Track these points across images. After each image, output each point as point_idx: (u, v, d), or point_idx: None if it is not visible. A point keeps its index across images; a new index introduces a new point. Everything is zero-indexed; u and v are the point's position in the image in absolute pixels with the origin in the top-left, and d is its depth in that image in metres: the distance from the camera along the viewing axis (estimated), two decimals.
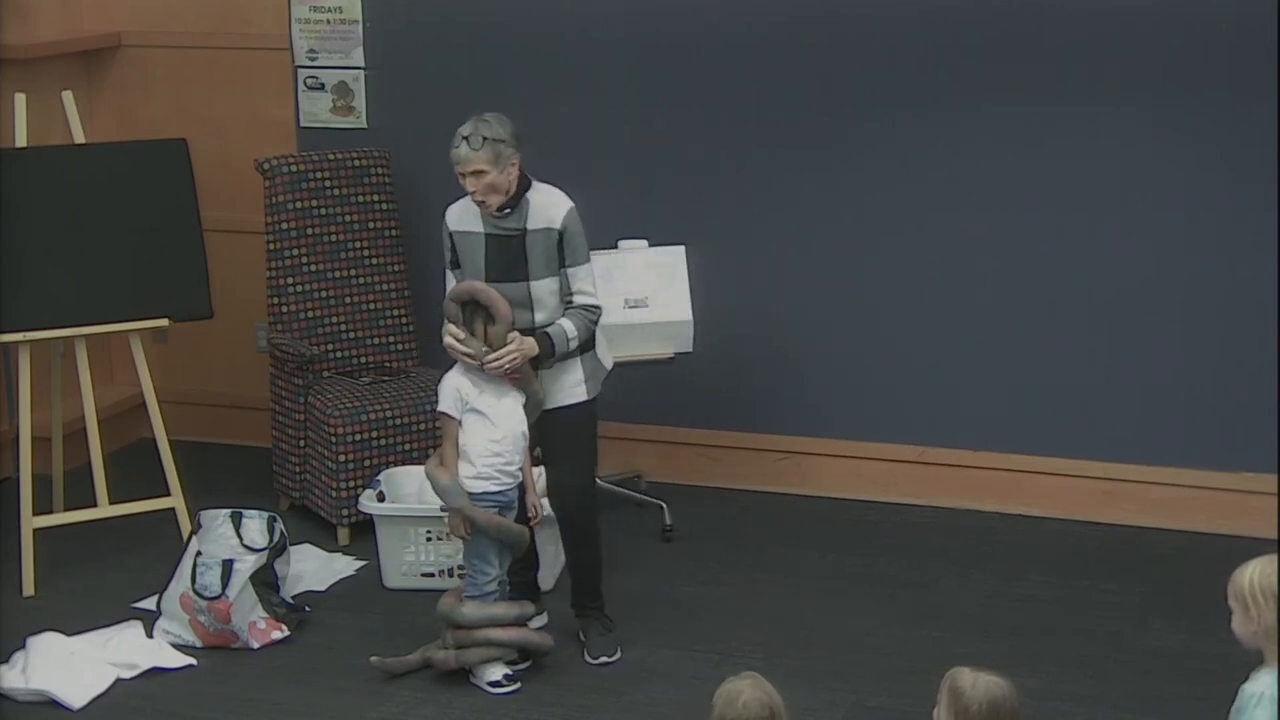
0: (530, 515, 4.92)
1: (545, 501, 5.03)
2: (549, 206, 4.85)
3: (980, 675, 3.23)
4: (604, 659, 4.99)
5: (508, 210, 4.82)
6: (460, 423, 4.76)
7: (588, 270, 4.91)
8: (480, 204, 4.79)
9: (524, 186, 4.84)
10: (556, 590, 5.34)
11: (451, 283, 4.95)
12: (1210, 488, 5.81)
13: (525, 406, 4.81)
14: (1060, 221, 5.85)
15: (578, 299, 4.89)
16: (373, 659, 4.89)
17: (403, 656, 4.90)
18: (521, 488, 4.88)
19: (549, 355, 4.82)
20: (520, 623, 4.86)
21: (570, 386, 4.95)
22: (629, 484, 6.20)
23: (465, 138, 4.73)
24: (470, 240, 4.89)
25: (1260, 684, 3.21)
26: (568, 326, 4.84)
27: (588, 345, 4.98)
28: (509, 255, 4.84)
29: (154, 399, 5.64)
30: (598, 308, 4.93)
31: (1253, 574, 3.24)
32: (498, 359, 4.71)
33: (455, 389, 4.76)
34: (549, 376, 4.90)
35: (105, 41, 6.71)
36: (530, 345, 4.75)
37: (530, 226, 4.84)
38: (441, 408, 4.80)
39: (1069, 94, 5.76)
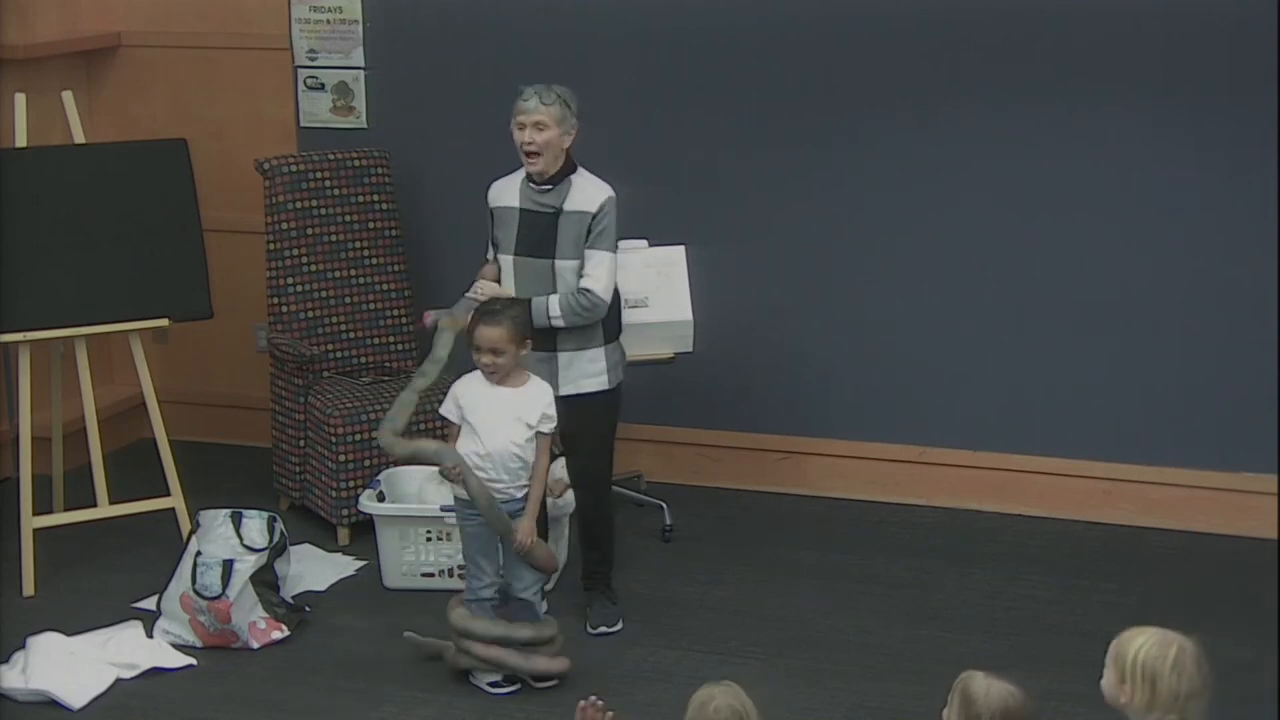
0: (517, 542, 4.74)
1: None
2: (590, 189, 4.94)
3: (993, 683, 3.18)
4: (604, 629, 5.05)
5: (548, 186, 4.89)
6: (459, 429, 4.78)
7: (605, 259, 4.94)
8: (528, 158, 4.85)
9: (570, 168, 4.91)
10: (557, 590, 5.33)
11: (491, 260, 5.07)
12: (1210, 488, 5.81)
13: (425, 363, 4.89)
14: (1060, 221, 5.85)
15: (582, 281, 4.91)
16: (406, 634, 4.95)
17: (433, 639, 4.92)
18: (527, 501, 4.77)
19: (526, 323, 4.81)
20: (535, 642, 4.77)
21: (592, 375, 4.98)
22: (629, 484, 6.19)
23: (536, 92, 4.83)
24: (506, 214, 4.98)
25: None
26: (551, 304, 4.88)
27: (613, 334, 5.00)
28: (539, 231, 4.91)
29: (154, 399, 5.64)
30: (595, 295, 4.91)
31: (1141, 648, 3.24)
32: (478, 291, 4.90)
33: (454, 396, 4.79)
34: (568, 361, 4.92)
35: (105, 42, 6.70)
36: (496, 288, 4.90)
37: (566, 207, 4.91)
38: (442, 410, 4.84)
39: (1069, 94, 5.76)
